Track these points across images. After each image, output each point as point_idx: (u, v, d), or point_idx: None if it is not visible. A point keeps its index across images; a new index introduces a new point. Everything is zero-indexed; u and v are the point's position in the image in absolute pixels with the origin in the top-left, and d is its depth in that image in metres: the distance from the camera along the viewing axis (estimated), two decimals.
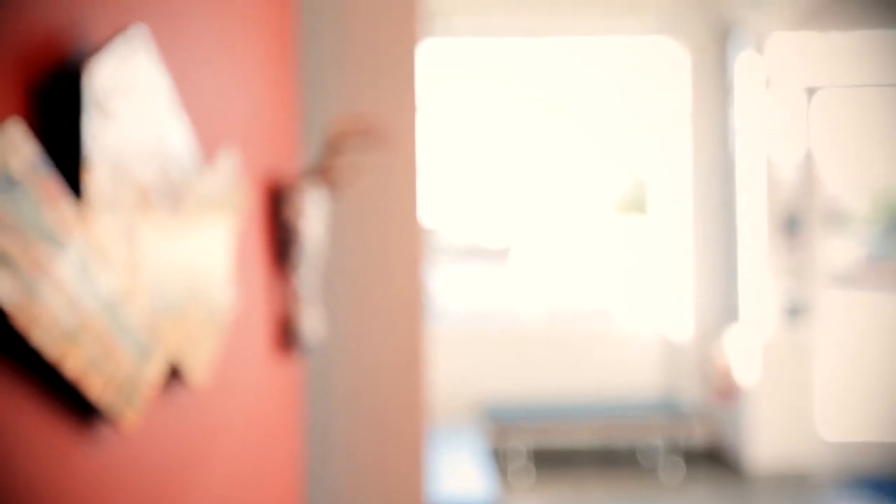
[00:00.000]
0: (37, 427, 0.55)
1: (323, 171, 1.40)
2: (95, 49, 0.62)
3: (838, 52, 4.90)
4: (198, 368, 0.83)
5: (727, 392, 4.83)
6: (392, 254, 1.68)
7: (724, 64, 5.05)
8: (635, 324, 5.35)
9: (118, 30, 0.67)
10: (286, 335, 1.35)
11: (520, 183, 5.40)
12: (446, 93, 5.22)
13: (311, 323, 1.40)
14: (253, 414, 1.15)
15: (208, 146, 0.91)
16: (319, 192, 1.40)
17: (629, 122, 5.52)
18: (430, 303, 2.01)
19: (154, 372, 0.71)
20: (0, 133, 0.45)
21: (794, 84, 4.77)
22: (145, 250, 0.70)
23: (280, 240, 1.34)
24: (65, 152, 0.58)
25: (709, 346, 5.02)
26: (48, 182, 0.52)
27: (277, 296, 1.32)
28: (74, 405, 0.60)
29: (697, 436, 4.92)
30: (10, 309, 0.47)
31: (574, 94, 5.50)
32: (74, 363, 0.56)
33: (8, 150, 0.46)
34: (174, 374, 0.79)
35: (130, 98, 0.66)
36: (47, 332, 0.52)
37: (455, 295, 5.35)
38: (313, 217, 1.38)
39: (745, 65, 4.81)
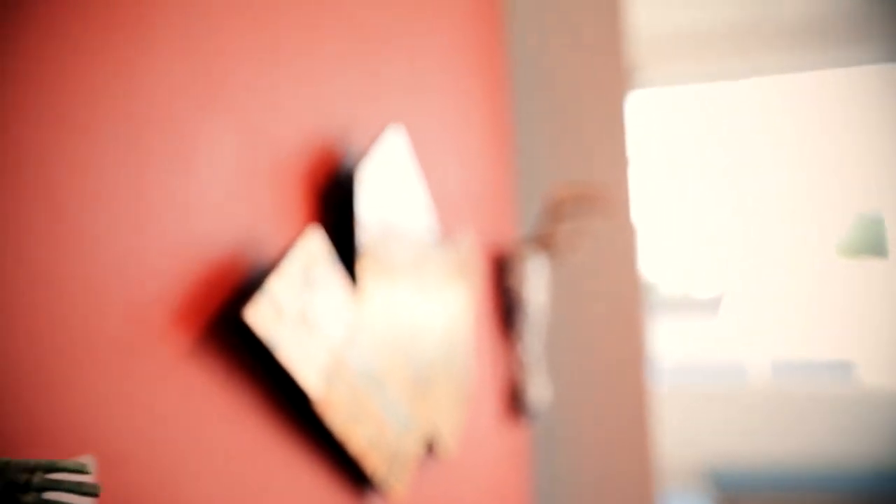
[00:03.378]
0: (327, 500, 0.60)
1: (543, 239, 1.42)
2: (363, 149, 0.69)
3: None
4: (448, 439, 0.86)
5: None
6: (613, 315, 1.65)
7: None
8: (880, 379, 4.77)
9: (379, 129, 0.74)
10: (513, 402, 1.37)
11: (735, 229, 5.11)
12: (654, 142, 5.12)
13: (537, 389, 1.41)
14: (487, 483, 1.16)
15: (445, 222, 0.97)
16: (540, 259, 1.41)
17: (854, 159, 5.06)
18: (652, 362, 1.93)
19: (415, 445, 0.74)
20: (305, 240, 0.51)
21: None
22: (403, 327, 0.75)
23: (504, 307, 1.37)
24: (339, 243, 0.64)
25: None
26: (338, 275, 0.58)
27: (504, 363, 1.34)
28: (353, 478, 0.65)
29: None
30: (314, 397, 0.52)
31: (789, 133, 5.15)
32: (357, 442, 0.60)
33: (312, 255, 0.52)
34: (428, 446, 0.83)
35: (391, 189, 0.72)
36: (337, 415, 0.56)
37: (674, 351, 5.12)
38: (535, 284, 1.40)
39: None
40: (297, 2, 0.58)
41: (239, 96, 0.50)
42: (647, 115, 5.17)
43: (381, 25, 0.77)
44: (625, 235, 1.67)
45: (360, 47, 0.71)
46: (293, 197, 0.57)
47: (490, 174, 1.34)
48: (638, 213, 1.75)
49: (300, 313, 0.50)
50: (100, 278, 0.37)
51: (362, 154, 0.68)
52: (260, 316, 0.45)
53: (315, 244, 0.53)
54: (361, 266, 0.64)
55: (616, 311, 1.65)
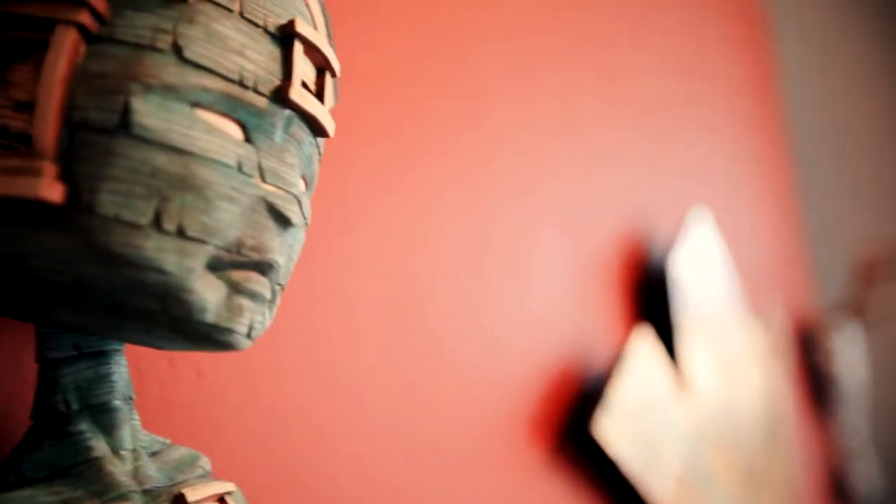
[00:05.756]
0: None
1: (854, 306, 1.27)
2: (668, 235, 0.67)
3: None
4: None
5: None
6: None
7: None
8: None
9: (676, 212, 0.71)
10: (836, 493, 1.20)
11: None
12: None
13: (864, 476, 1.23)
14: None
15: (748, 298, 0.90)
16: (853, 329, 1.26)
17: None
18: None
19: None
20: (635, 341, 0.50)
21: None
22: (726, 415, 0.69)
23: (813, 386, 1.23)
24: (658, 332, 0.61)
25: None
26: (667, 372, 0.55)
27: (820, 448, 1.19)
28: None
29: None
30: (629, 472, 0.49)
31: None
32: None
33: (644, 356, 0.50)
34: None
35: (701, 272, 0.68)
36: (662, 483, 0.53)
37: None
38: (850, 357, 1.24)
39: None
40: (593, 113, 0.59)
41: (560, 207, 0.50)
42: None
43: (664, 115, 0.76)
44: None
45: (651, 140, 0.70)
46: (613, 294, 0.56)
47: (780, 240, 1.23)
48: None
49: (640, 420, 0.48)
50: (463, 393, 0.38)
51: (669, 240, 0.66)
52: (604, 429, 0.43)
53: (645, 344, 0.51)
54: (683, 355, 0.61)
55: None
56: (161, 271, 0.15)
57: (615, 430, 0.45)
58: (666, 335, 0.62)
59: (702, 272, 0.69)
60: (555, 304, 0.47)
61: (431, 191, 0.38)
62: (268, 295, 0.17)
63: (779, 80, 1.41)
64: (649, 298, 0.62)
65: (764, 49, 1.31)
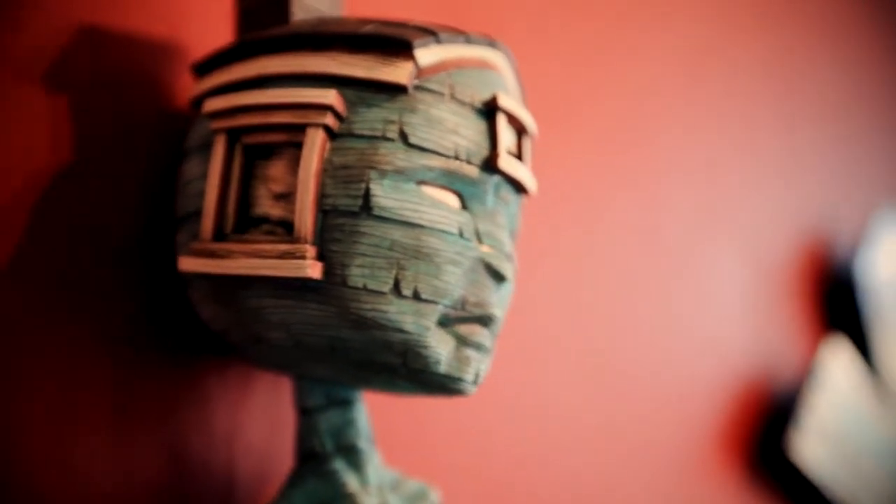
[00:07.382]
0: None
1: None
2: (851, 235, 0.63)
3: None
4: None
5: None
6: None
7: None
8: None
9: (867, 212, 0.67)
10: None
11: None
12: None
13: None
14: None
15: None
16: None
17: None
18: None
19: None
20: (827, 352, 0.47)
21: None
22: None
23: None
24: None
25: None
26: (867, 383, 0.52)
27: None
28: None
29: None
30: (832, 495, 0.46)
31: None
32: None
33: (839, 368, 0.48)
34: None
35: (893, 269, 0.63)
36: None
37: None
38: None
39: None
40: (767, 115, 0.57)
41: (736, 216, 0.49)
42: None
43: (844, 110, 0.71)
44: None
45: (829, 138, 0.66)
46: (796, 304, 0.53)
47: None
48: None
49: (840, 437, 0.45)
50: (649, 419, 0.38)
51: (854, 243, 0.62)
52: (800, 449, 0.42)
53: (839, 355, 0.48)
54: (883, 364, 0.57)
55: None
56: (402, 331, 0.17)
57: (813, 450, 0.43)
58: (859, 344, 0.58)
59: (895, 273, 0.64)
60: (736, 319, 0.46)
61: (605, 205, 0.39)
62: (488, 344, 0.19)
63: None
64: (836, 306, 0.59)
65: None
